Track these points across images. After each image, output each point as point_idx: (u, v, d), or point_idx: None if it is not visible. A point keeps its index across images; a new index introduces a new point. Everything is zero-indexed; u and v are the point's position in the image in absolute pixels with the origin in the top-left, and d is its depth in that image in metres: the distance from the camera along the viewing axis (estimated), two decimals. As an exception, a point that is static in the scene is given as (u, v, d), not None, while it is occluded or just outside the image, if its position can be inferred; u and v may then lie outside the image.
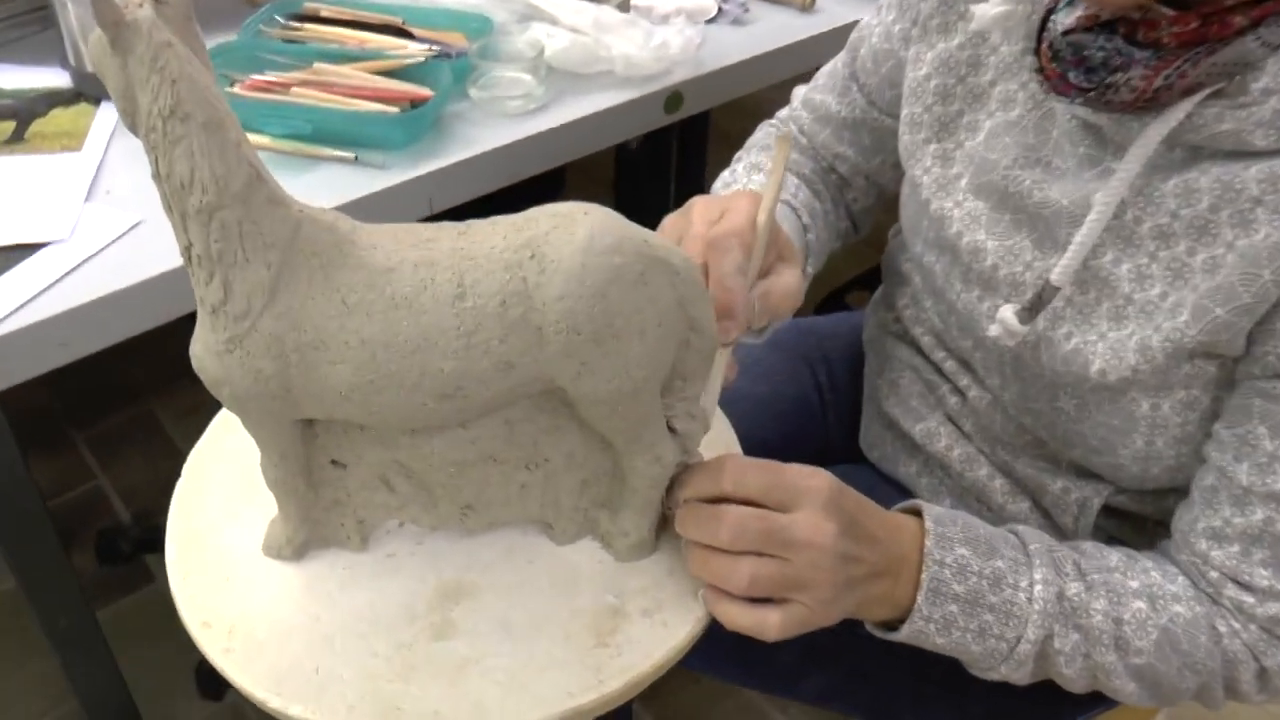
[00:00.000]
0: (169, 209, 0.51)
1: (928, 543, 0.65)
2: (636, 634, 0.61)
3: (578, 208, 0.55)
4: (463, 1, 1.26)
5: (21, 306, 0.84)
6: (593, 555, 0.65)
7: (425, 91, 1.07)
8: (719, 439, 0.74)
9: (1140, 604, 0.66)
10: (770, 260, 0.70)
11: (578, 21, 1.20)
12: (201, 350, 0.55)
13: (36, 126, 1.04)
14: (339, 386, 0.54)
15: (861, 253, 1.55)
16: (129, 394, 1.91)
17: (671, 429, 0.62)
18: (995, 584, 0.65)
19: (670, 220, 0.71)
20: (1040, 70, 0.68)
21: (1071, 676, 0.67)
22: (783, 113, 1.01)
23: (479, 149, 1.07)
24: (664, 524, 0.65)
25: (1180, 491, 0.71)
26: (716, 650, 0.77)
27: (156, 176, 0.51)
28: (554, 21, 1.22)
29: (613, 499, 0.65)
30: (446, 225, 0.56)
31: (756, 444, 1.02)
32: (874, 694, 0.89)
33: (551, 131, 1.12)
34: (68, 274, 0.88)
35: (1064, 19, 0.66)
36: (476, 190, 1.08)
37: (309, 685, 0.58)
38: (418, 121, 1.04)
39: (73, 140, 1.01)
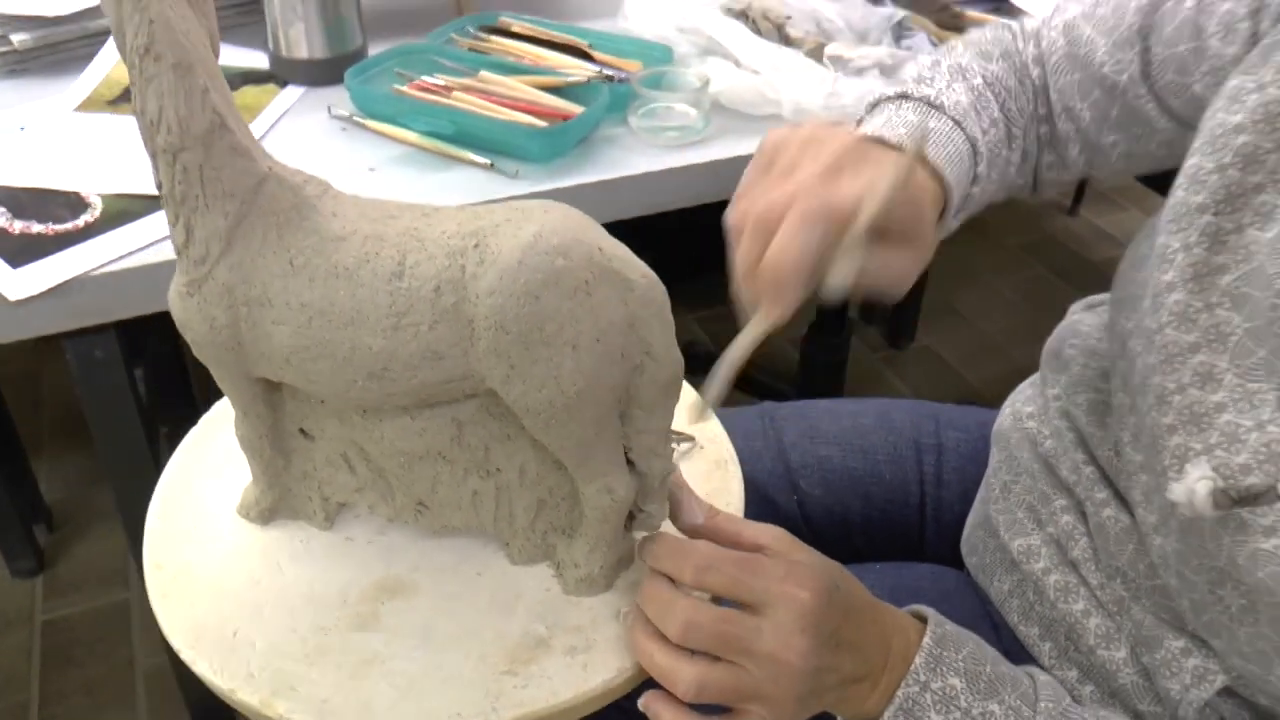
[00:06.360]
0: (146, 146, 0.53)
1: (918, 660, 0.57)
2: (552, 669, 0.57)
3: (542, 205, 0.52)
4: (651, 32, 1.26)
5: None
6: (542, 582, 0.61)
7: (577, 109, 1.07)
8: (726, 488, 0.68)
9: None
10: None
11: (756, 61, 1.17)
12: (172, 291, 0.56)
13: (228, 99, 1.12)
14: (280, 348, 0.54)
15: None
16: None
17: (630, 462, 0.57)
18: None
19: (781, 135, 0.61)
20: None
21: None
22: (1033, 23, 0.77)
23: (617, 173, 1.05)
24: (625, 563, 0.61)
25: None
26: None
27: (137, 112, 0.52)
28: (736, 62, 1.19)
29: (573, 526, 0.61)
30: (418, 205, 0.55)
31: (836, 519, 0.94)
32: None
33: (701, 166, 1.09)
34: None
35: None
36: (608, 215, 1.05)
37: (221, 646, 0.58)
38: (558, 137, 1.04)
39: (249, 114, 1.08)
